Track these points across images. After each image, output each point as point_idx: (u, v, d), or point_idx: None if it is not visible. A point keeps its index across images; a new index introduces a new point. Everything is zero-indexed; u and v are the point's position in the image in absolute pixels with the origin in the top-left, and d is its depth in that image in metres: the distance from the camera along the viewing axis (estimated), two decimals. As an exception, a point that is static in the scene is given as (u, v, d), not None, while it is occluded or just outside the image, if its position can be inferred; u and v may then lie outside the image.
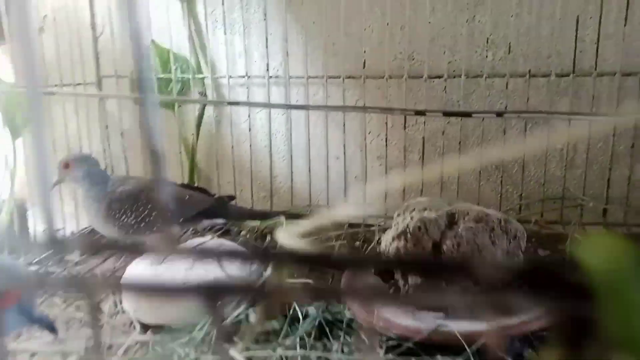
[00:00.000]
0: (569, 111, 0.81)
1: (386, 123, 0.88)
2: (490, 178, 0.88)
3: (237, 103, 0.69)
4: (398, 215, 0.57)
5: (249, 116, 0.93)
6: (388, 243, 0.55)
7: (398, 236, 0.54)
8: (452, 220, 0.54)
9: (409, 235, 0.53)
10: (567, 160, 0.83)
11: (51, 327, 0.41)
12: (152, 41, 0.94)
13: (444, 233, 0.53)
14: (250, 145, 0.94)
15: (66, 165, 0.73)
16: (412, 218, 0.54)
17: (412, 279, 0.53)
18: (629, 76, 0.79)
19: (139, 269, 0.59)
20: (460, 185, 0.88)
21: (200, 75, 0.94)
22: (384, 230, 0.82)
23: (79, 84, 0.94)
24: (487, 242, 0.53)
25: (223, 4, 0.91)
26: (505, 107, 0.84)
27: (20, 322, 0.39)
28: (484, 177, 0.88)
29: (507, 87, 0.83)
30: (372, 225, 0.85)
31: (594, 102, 0.80)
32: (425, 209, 0.55)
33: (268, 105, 0.82)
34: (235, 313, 0.55)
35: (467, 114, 0.53)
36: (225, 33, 0.92)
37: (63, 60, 0.93)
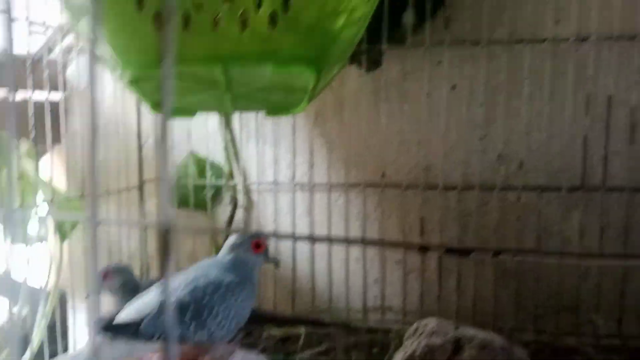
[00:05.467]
0: (580, 225, 0.84)
1: (403, 231, 0.93)
2: (506, 286, 0.90)
3: (291, 236, 0.75)
4: (407, 338, 0.60)
5: (274, 220, 1.00)
6: (398, 365, 0.58)
7: (406, 360, 0.57)
8: (458, 346, 0.57)
9: (416, 360, 0.56)
10: (581, 270, 0.85)
11: None
12: (191, 151, 1.03)
13: None
14: (275, 247, 1.00)
15: (105, 276, 0.80)
16: (419, 343, 0.57)
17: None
18: (637, 192, 0.82)
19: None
20: (477, 290, 0.91)
21: (232, 182, 1.02)
22: (399, 337, 0.85)
23: (124, 189, 1.03)
24: (491, 369, 0.55)
25: (256, 119, 1.00)
26: (519, 219, 0.88)
27: None
28: (499, 285, 0.90)
29: (519, 200, 0.87)
30: (390, 331, 0.88)
31: (603, 216, 0.83)
32: (433, 333, 0.58)
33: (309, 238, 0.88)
34: None
35: (497, 253, 0.56)
36: (257, 144, 1.01)
37: (111, 165, 1.03)
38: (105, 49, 0.56)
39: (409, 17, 0.83)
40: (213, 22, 0.51)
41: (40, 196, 0.92)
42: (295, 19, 0.51)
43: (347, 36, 0.56)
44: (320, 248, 0.98)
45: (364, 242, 0.67)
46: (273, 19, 0.51)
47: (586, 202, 0.85)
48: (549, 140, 0.85)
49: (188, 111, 0.77)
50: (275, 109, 0.74)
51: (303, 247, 1.00)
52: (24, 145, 0.94)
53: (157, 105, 0.74)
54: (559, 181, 0.85)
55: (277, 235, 0.73)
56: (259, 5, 0.51)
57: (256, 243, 0.68)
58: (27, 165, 0.94)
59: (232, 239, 0.69)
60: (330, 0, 0.52)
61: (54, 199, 0.91)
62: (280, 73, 0.56)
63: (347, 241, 0.74)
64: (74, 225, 0.98)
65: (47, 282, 0.96)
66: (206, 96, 0.70)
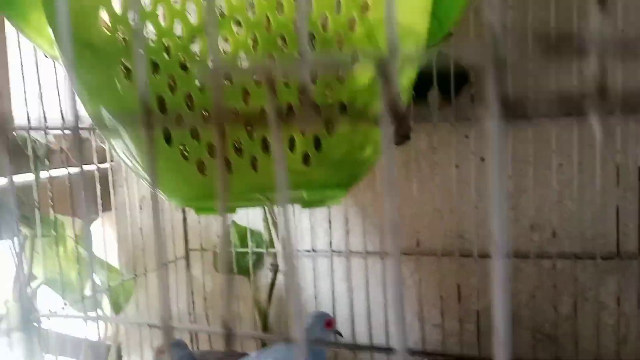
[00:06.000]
0: (617, 290, 0.85)
1: (441, 297, 0.95)
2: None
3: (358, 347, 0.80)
4: None
5: (314, 286, 1.04)
6: None
7: None
8: None
9: None
10: (619, 338, 0.86)
11: None
12: (233, 221, 1.08)
13: None
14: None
15: (161, 351, 0.86)
16: None
17: None
18: (674, 260, 0.82)
19: None
20: None
21: (272, 250, 1.07)
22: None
23: (171, 262, 1.09)
24: None
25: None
26: (555, 286, 0.89)
27: None
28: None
29: (554, 267, 0.88)
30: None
31: (641, 284, 0.84)
32: None
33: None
34: None
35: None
36: (294, 212, 1.05)
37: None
38: (145, 177, 0.61)
39: (433, 96, 0.85)
40: (252, 164, 0.55)
41: (96, 277, 0.99)
42: (326, 155, 0.55)
43: (373, 160, 0.59)
44: (360, 310, 1.02)
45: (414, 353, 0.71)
46: (306, 158, 0.55)
47: (622, 268, 0.85)
48: (581, 208, 0.86)
49: (231, 209, 0.82)
50: (311, 204, 0.78)
51: (343, 310, 1.03)
52: (77, 225, 1.01)
53: (201, 210, 0.79)
54: (594, 249, 0.86)
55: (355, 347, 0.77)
56: (292, 147, 0.55)
57: (328, 322, 0.78)
58: (81, 245, 1.00)
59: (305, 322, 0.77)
60: (357, 135, 0.55)
61: (110, 279, 0.98)
62: (313, 195, 0.60)
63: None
64: (127, 298, 1.05)
65: (105, 339, 1.03)
66: (247, 202, 0.75)
